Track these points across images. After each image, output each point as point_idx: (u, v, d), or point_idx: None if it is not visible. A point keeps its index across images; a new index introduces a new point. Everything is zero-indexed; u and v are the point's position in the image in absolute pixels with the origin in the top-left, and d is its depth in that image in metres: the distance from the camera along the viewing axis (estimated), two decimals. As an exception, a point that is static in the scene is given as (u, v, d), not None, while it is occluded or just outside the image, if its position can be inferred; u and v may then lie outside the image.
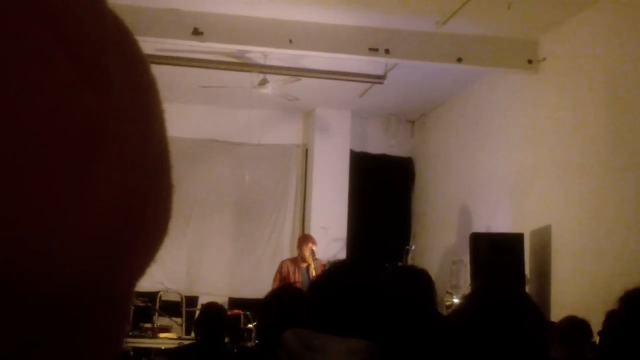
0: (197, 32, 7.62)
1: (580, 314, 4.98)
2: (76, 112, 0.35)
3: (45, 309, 0.35)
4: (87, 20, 0.37)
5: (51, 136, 0.34)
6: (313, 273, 8.14)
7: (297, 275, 8.33)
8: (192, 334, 6.77)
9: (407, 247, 9.79)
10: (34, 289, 0.34)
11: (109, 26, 0.39)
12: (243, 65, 8.91)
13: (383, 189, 11.35)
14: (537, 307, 2.17)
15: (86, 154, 0.35)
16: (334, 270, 2.46)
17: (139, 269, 0.40)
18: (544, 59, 8.10)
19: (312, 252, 8.39)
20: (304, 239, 8.81)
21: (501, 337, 2.01)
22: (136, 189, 0.38)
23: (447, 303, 7.91)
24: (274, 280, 8.42)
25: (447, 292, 8.16)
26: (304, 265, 8.43)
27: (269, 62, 8.74)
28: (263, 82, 8.95)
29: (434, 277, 3.39)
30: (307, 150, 11.23)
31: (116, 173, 0.36)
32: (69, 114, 0.35)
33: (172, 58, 8.43)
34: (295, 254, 8.99)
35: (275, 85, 9.01)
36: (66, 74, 0.35)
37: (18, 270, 0.33)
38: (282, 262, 8.73)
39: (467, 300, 2.34)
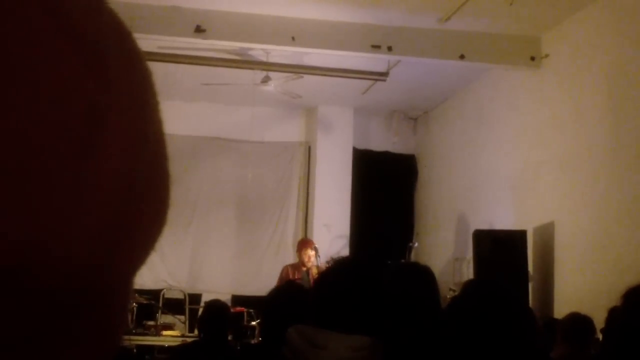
0: (199, 30, 7.62)
1: (583, 310, 4.98)
2: (79, 103, 0.35)
3: (45, 300, 0.35)
4: (89, 14, 0.38)
5: (53, 126, 0.34)
6: (314, 275, 8.11)
7: (296, 276, 8.29)
8: (195, 332, 6.77)
9: (410, 244, 9.79)
10: (34, 281, 0.34)
11: (108, 21, 0.39)
12: (245, 62, 8.90)
13: (386, 186, 11.35)
14: (524, 305, 2.19)
15: (86, 145, 0.35)
16: (337, 267, 2.46)
17: (139, 259, 0.40)
18: (547, 56, 8.09)
19: (310, 257, 8.36)
20: (303, 243, 8.74)
21: (488, 333, 2.03)
22: (134, 179, 0.38)
23: (450, 300, 7.91)
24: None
25: (450, 289, 8.15)
26: (304, 269, 8.41)
27: (271, 60, 8.74)
28: (265, 80, 8.95)
29: (437, 274, 3.39)
30: (309, 147, 11.23)
31: (115, 164, 0.37)
32: (73, 104, 0.35)
33: (175, 55, 8.44)
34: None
35: (277, 82, 9.00)
36: (70, 65, 0.35)
37: (18, 262, 0.33)
38: (283, 267, 8.69)
39: (455, 298, 2.37)
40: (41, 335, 0.36)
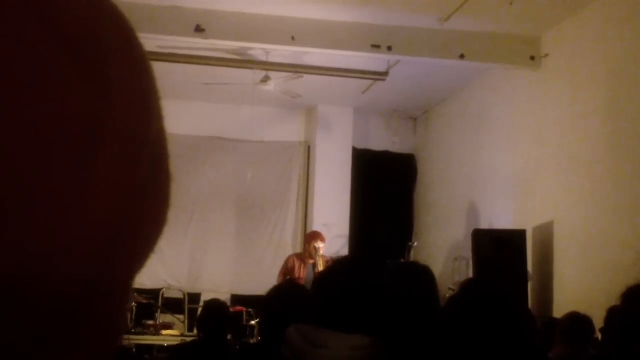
0: (199, 29, 7.62)
1: (582, 310, 4.98)
2: (75, 112, 0.35)
3: (45, 307, 0.35)
4: (86, 19, 0.37)
5: (50, 136, 0.34)
6: (319, 269, 8.11)
7: (302, 270, 8.31)
8: (195, 331, 6.77)
9: (410, 244, 9.78)
10: (35, 289, 0.34)
11: (108, 23, 0.39)
12: (245, 62, 8.90)
13: (385, 186, 11.34)
14: (522, 304, 2.20)
15: (85, 153, 0.35)
16: (336, 267, 2.46)
17: (138, 262, 0.40)
18: (546, 55, 8.09)
19: (317, 249, 8.35)
20: (312, 235, 8.76)
21: (485, 332, 2.03)
22: (135, 184, 0.38)
23: (450, 299, 7.89)
24: (279, 273, 8.42)
25: (450, 288, 8.14)
26: (310, 261, 8.40)
27: (271, 59, 8.74)
28: (265, 79, 8.95)
29: (436, 274, 3.38)
30: (309, 147, 11.23)
31: (115, 171, 0.37)
32: (68, 114, 0.35)
33: (174, 55, 8.43)
34: (298, 249, 9.00)
35: (277, 82, 9.00)
36: (65, 75, 0.35)
37: (19, 271, 0.33)
38: (289, 256, 8.70)
39: (453, 297, 2.38)
40: (42, 339, 0.36)
